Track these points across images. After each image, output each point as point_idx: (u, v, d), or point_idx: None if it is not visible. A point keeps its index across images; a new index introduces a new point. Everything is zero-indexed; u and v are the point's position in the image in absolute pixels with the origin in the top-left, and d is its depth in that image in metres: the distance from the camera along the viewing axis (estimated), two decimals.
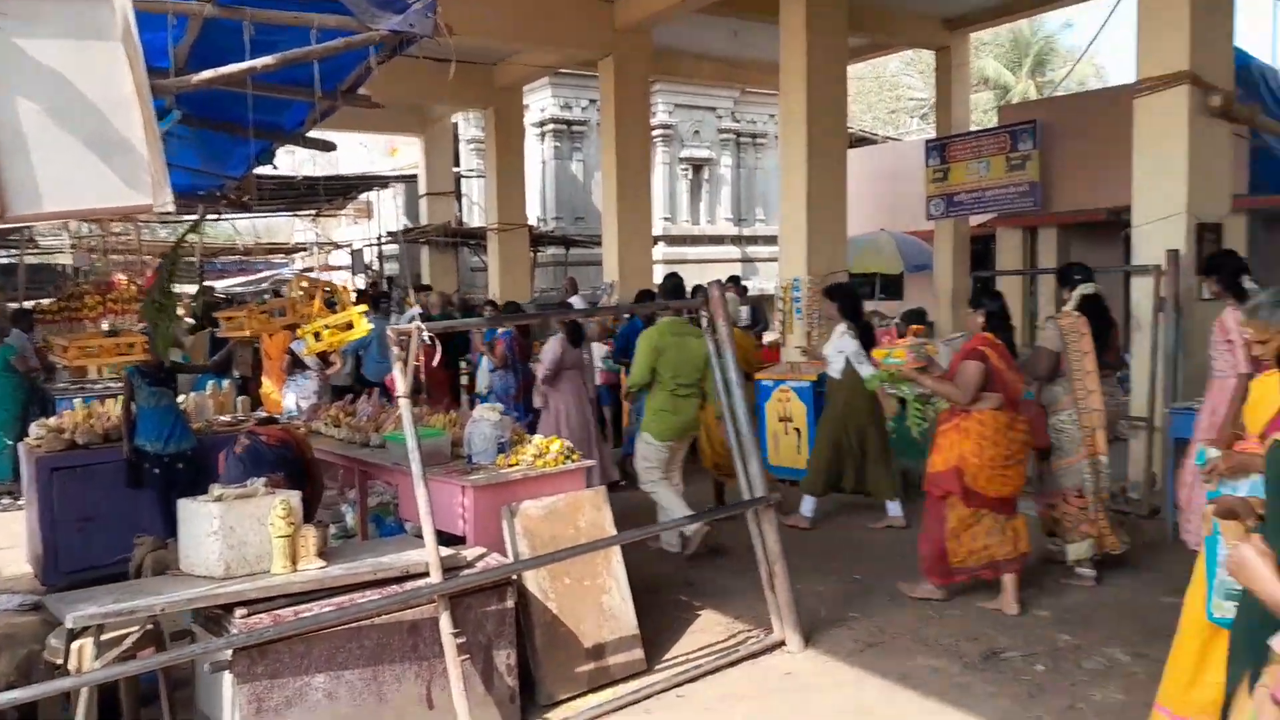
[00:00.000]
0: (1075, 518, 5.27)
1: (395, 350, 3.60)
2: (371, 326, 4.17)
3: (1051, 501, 5.37)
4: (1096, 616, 4.80)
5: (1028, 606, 4.91)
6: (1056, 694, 3.95)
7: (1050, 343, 5.28)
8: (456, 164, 18.74)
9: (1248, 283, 5.30)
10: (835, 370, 6.56)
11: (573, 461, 4.52)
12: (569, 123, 18.71)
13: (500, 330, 8.12)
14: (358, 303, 5.65)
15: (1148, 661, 4.13)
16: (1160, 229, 6.14)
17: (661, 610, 5.08)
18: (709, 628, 4.89)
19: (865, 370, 6.22)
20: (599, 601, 4.33)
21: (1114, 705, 3.84)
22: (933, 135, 14.43)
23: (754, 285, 16.20)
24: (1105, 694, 3.94)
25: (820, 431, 6.73)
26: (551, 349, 7.17)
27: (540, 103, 18.50)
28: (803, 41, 8.63)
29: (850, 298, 6.68)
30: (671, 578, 5.65)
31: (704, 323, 4.63)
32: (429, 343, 3.51)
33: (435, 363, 3.74)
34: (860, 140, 21.86)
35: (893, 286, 15.86)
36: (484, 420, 4.46)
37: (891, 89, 32.69)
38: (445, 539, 4.24)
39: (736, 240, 20.29)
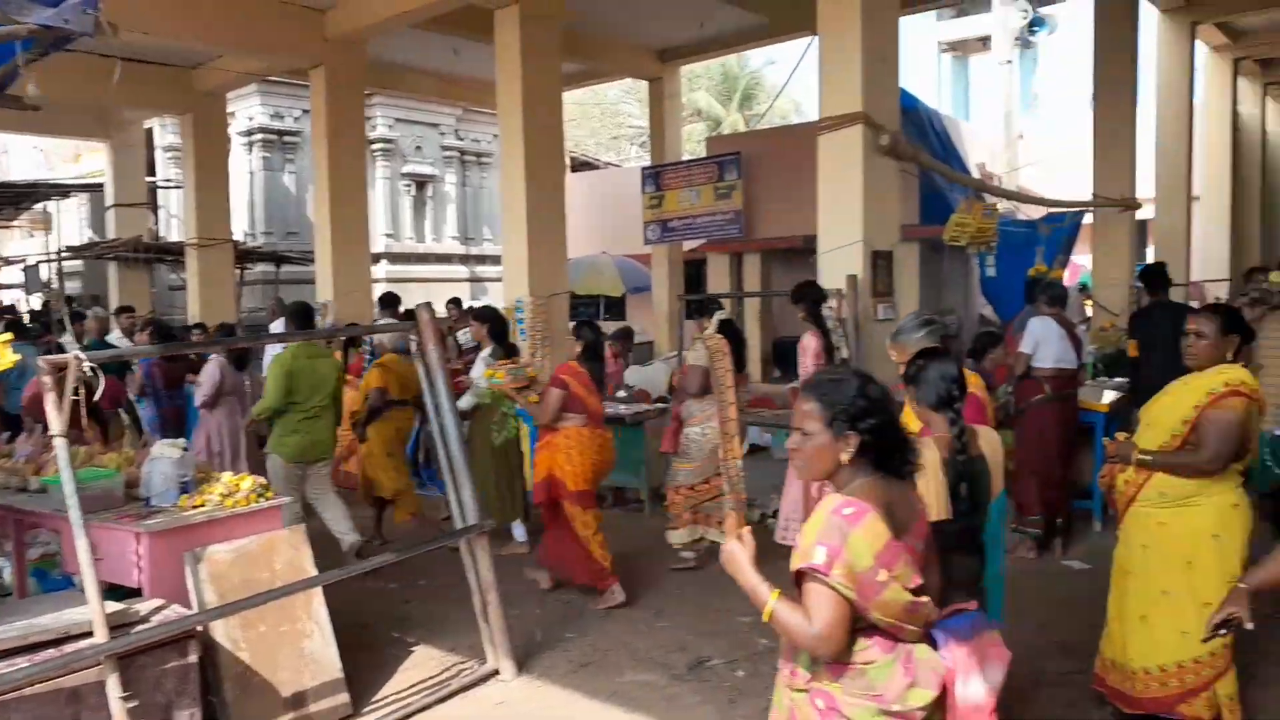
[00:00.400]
0: (679, 507, 6.07)
1: (46, 381, 3.18)
2: (19, 356, 3.65)
3: (664, 494, 6.18)
4: None
5: (732, 614, 5.15)
6: (755, 696, 4.17)
7: (700, 360, 5.92)
8: (152, 173, 17.14)
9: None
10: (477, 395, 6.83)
11: (266, 500, 4.21)
12: (280, 133, 17.67)
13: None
14: (7, 329, 4.96)
15: None
16: (841, 256, 6.72)
17: (373, 649, 4.86)
18: (423, 663, 4.74)
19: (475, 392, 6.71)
20: (299, 647, 4.06)
21: None
22: (650, 162, 15.05)
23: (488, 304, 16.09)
24: None
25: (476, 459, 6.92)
26: (210, 372, 6.87)
27: (248, 111, 17.35)
28: (518, 65, 8.70)
29: (497, 321, 6.98)
30: (384, 614, 5.43)
31: (413, 346, 4.49)
32: (90, 374, 3.13)
33: (97, 397, 3.32)
34: (583, 165, 22.43)
35: (616, 307, 16.35)
36: (163, 458, 4.05)
37: (613, 116, 33.79)
38: (122, 593, 3.83)
39: (464, 259, 20.06)
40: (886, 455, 2.14)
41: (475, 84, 14.00)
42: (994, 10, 19.36)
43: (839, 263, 6.78)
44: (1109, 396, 7.20)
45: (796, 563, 2.04)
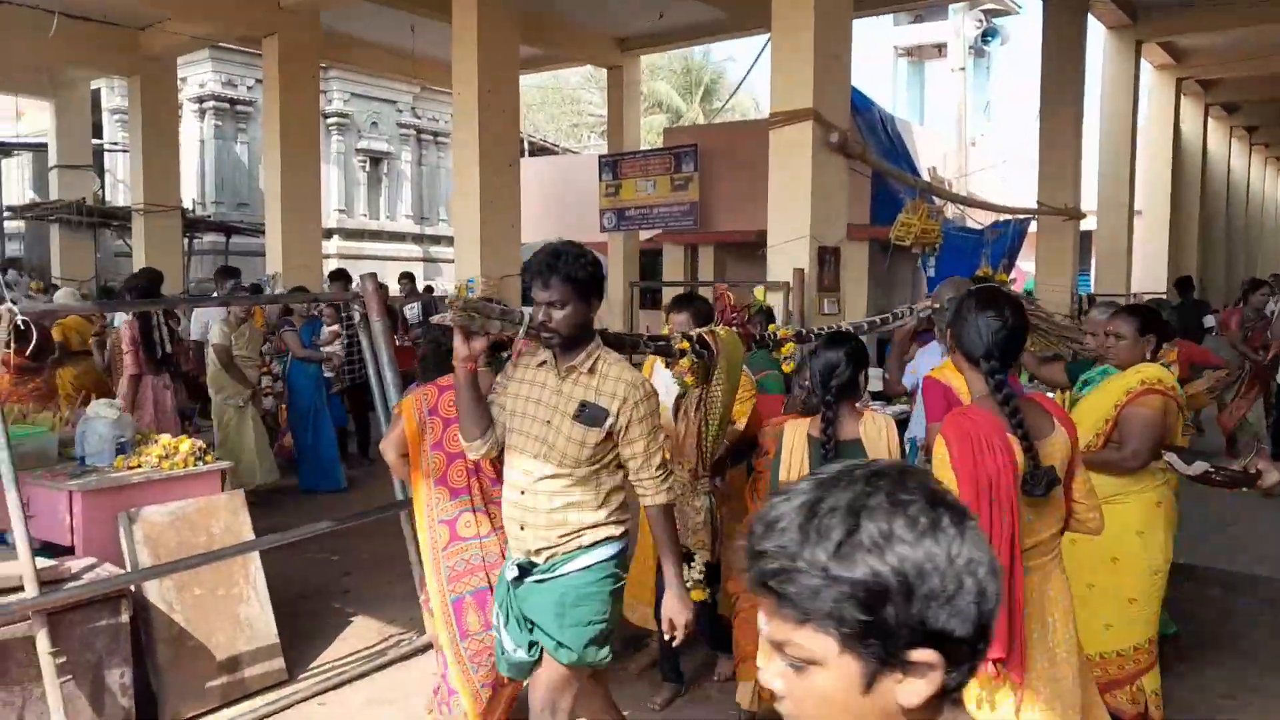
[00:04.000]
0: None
1: None
2: None
3: None
4: None
5: None
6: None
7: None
8: (99, 136, 16.76)
9: None
10: None
11: (205, 463, 4.21)
12: (233, 101, 17.38)
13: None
14: None
15: None
16: (789, 250, 6.85)
17: (313, 618, 4.87)
18: (362, 633, 4.76)
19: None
20: (235, 612, 4.08)
21: None
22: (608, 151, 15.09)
23: (438, 285, 16.02)
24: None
25: None
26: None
27: (200, 77, 17.04)
28: (474, 46, 8.66)
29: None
30: (327, 586, 5.44)
31: (357, 316, 4.50)
32: (22, 328, 3.11)
33: (27, 352, 3.31)
34: (541, 150, 22.38)
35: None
36: (99, 418, 4.02)
37: (573, 103, 33.69)
38: (57, 552, 3.81)
39: (418, 239, 19.93)
40: None
41: (432, 63, 13.88)
42: (950, 18, 19.73)
43: (787, 257, 6.91)
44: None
45: None
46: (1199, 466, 3.33)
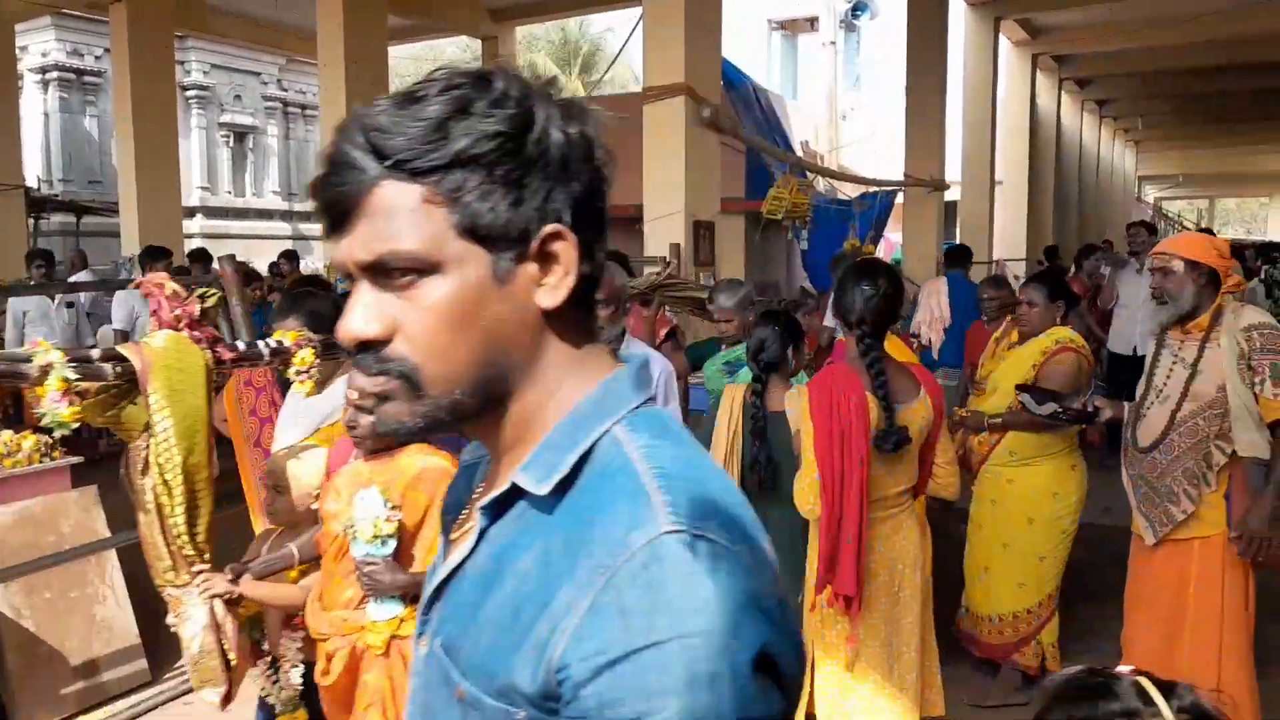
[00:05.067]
0: None
1: None
2: None
3: None
4: None
5: None
6: None
7: None
8: None
9: None
10: None
11: (52, 459, 3.99)
12: (79, 71, 16.30)
13: None
14: None
15: None
16: (665, 225, 6.89)
17: None
18: None
19: None
20: (90, 613, 3.89)
21: None
22: None
23: (308, 264, 15.46)
24: None
25: None
26: None
27: (41, 45, 15.91)
28: (339, 16, 8.34)
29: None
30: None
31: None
32: None
33: None
34: None
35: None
36: None
37: None
38: None
39: (287, 216, 19.19)
40: None
41: (298, 32, 13.36)
42: None
43: (663, 232, 6.95)
44: None
45: None
46: (1049, 407, 3.56)
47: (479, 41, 14.08)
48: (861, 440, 2.69)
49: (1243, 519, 3.07)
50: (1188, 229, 37.46)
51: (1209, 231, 14.07)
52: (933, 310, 7.23)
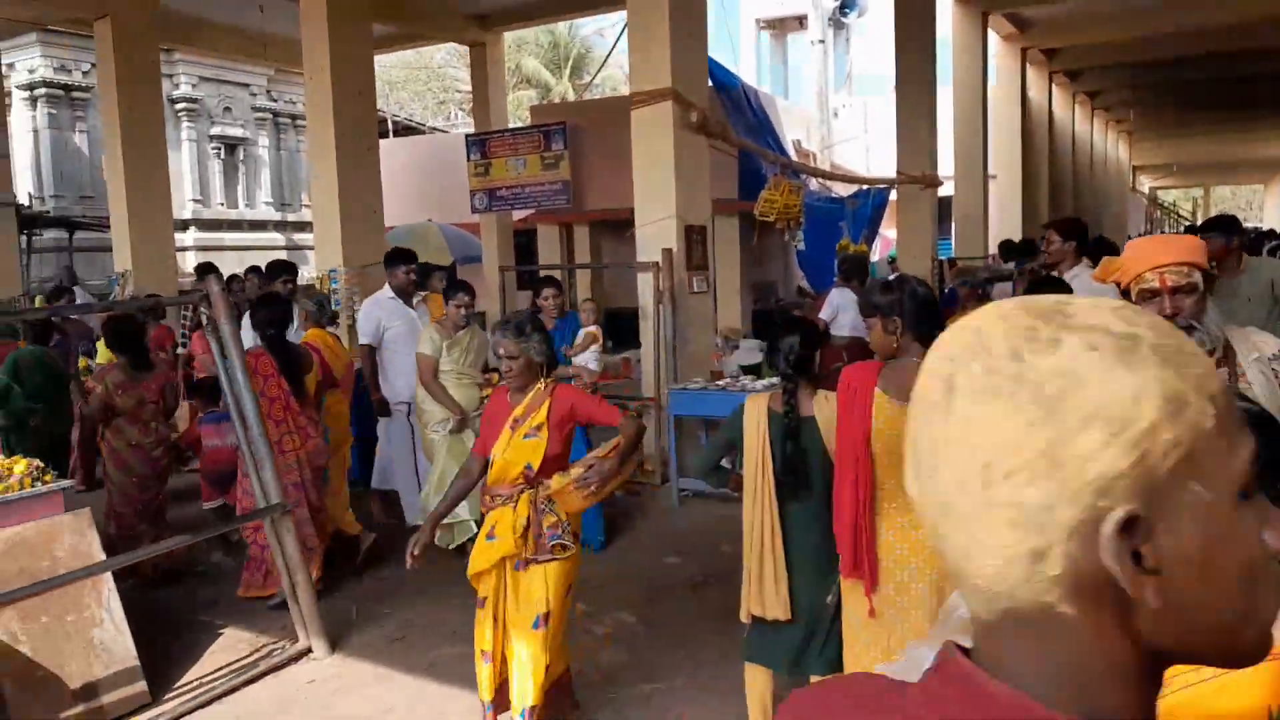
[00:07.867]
0: None
1: None
2: None
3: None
4: (606, 584, 5.24)
5: None
6: (573, 659, 4.27)
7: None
8: None
9: None
10: None
11: (44, 484, 3.96)
12: (67, 87, 16.25)
13: None
14: None
15: (648, 622, 4.63)
16: (657, 230, 6.88)
17: (179, 635, 4.66)
18: (232, 646, 4.59)
19: None
20: (88, 637, 3.86)
21: (619, 664, 4.24)
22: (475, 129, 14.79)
23: (302, 275, 15.41)
24: (611, 655, 4.34)
25: None
26: None
27: (28, 62, 15.87)
28: (324, 25, 8.31)
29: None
30: (190, 600, 5.21)
31: (204, 319, 4.30)
32: None
33: None
34: (407, 129, 21.80)
35: (448, 278, 16.00)
36: None
37: (440, 79, 32.95)
38: None
39: (280, 226, 19.16)
40: None
41: (285, 43, 13.32)
42: None
43: (655, 236, 6.94)
44: None
45: None
46: None
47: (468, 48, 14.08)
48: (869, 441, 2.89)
49: None
50: (1184, 219, 37.50)
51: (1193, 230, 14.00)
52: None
